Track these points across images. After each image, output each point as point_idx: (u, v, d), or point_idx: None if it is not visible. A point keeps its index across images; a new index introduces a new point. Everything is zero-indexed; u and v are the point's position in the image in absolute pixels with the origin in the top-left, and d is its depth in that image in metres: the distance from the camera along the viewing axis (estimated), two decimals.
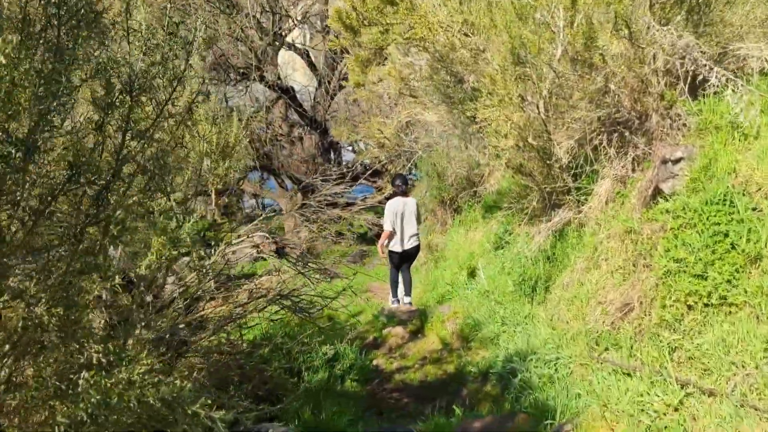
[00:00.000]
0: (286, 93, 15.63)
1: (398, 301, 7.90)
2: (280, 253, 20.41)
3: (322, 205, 18.67)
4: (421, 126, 11.05)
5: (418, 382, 5.14)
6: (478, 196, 10.42)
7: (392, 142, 11.45)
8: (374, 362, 5.63)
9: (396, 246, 7.79)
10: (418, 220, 8.04)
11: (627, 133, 5.32)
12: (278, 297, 4.43)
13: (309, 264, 6.65)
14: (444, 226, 11.41)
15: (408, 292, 7.86)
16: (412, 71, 6.94)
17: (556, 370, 4.28)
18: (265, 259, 20.22)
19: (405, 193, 7.87)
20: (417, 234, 7.92)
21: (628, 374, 3.74)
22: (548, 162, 5.87)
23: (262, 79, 15.21)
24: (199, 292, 4.29)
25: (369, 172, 15.65)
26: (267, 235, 19.04)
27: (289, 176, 17.54)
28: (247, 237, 19.11)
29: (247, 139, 16.38)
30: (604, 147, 5.44)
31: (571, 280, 5.04)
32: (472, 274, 7.20)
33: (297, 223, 19.18)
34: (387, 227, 7.71)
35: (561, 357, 4.30)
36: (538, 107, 5.54)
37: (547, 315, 5.04)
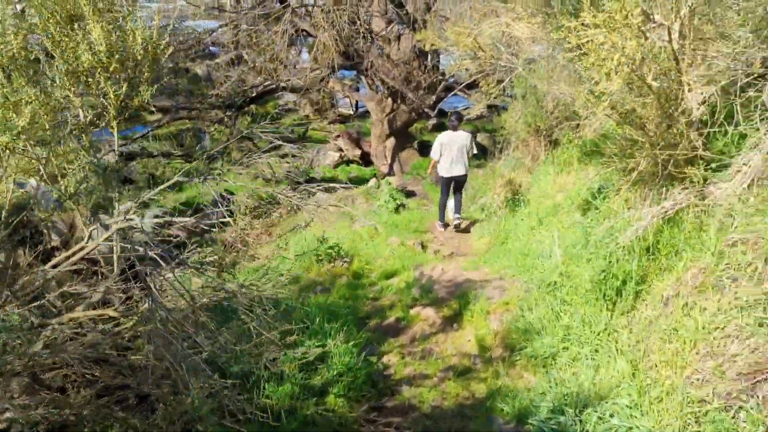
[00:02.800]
0: None
1: (444, 225, 8.76)
2: (365, 159, 19.25)
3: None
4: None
5: (429, 406, 3.78)
6: (581, 130, 8.56)
7: (487, 54, 9.56)
8: (385, 359, 4.27)
9: (443, 171, 8.76)
10: (469, 153, 8.88)
11: None
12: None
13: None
14: (535, 161, 9.64)
15: (458, 210, 8.77)
16: None
17: None
18: (348, 164, 19.17)
19: (455, 128, 8.84)
20: (465, 164, 8.78)
21: None
22: (671, 113, 4.07)
23: None
24: None
25: (463, 84, 13.78)
26: (350, 140, 17.82)
27: (380, 79, 15.93)
28: (333, 139, 17.94)
29: (332, 34, 14.81)
30: (762, 102, 3.58)
31: (674, 295, 3.43)
32: (545, 241, 5.61)
33: (384, 131, 17.76)
34: (434, 155, 8.83)
35: (639, 428, 2.80)
36: (670, 32, 3.70)
37: (630, 338, 3.49)
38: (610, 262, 4.00)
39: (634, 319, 3.69)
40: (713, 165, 3.99)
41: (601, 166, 5.78)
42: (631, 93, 4.15)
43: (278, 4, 14.39)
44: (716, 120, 3.94)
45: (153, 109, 15.36)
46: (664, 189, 4.16)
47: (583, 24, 3.33)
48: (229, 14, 16.19)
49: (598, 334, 3.63)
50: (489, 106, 22.90)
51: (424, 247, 7.07)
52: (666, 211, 3.68)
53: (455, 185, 8.86)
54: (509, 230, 6.97)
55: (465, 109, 17.54)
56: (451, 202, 9.01)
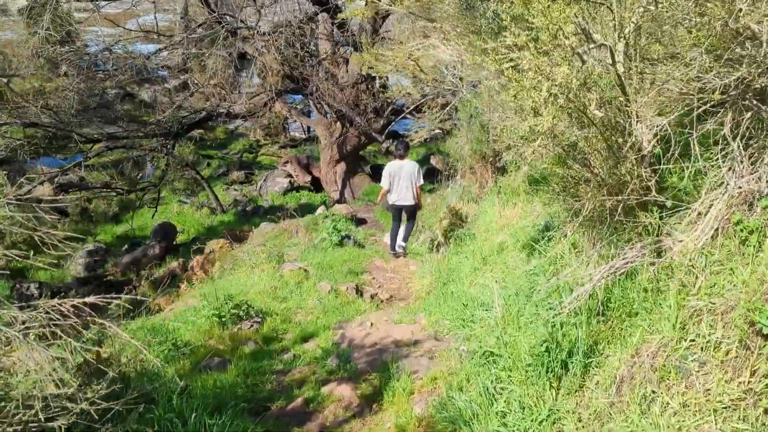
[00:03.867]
0: (324, 5, 13.03)
1: (395, 255, 8.66)
2: (316, 185, 18.40)
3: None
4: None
5: None
6: (526, 159, 7.99)
7: (429, 77, 8.95)
8: None
9: (392, 200, 8.70)
10: (415, 183, 8.63)
11: None
12: None
13: None
14: (483, 188, 9.03)
15: (404, 239, 8.76)
16: None
17: None
18: (297, 191, 18.33)
19: (402, 157, 8.61)
20: (413, 193, 8.61)
21: None
22: (618, 147, 3.44)
23: None
24: None
25: (410, 108, 13.21)
26: (300, 165, 16.99)
27: (327, 103, 15.25)
28: (281, 165, 17.06)
29: (275, 57, 14.09)
30: (724, 136, 2.97)
31: (629, 378, 2.75)
32: (488, 286, 4.93)
33: (333, 156, 17.04)
34: (384, 185, 8.69)
35: None
36: (613, 53, 3.08)
37: (578, 426, 2.80)
38: (554, 326, 3.33)
39: (582, 402, 3.00)
40: (668, 206, 3.37)
41: (547, 201, 5.17)
42: (570, 124, 3.51)
43: (219, 27, 13.60)
44: (671, 155, 3.32)
45: (94, 136, 14.35)
46: (614, 237, 3.52)
47: (505, 46, 2.67)
48: (169, 38, 15.32)
49: (540, 424, 2.93)
50: (442, 129, 22.48)
51: (359, 291, 6.33)
52: (616, 271, 3.02)
53: (406, 214, 8.79)
54: (452, 269, 6.29)
55: (417, 131, 16.98)
56: (402, 229, 8.96)
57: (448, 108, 9.30)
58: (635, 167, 3.40)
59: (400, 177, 8.49)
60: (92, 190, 14.72)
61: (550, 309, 3.44)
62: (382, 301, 6.41)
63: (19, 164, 17.14)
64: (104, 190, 14.59)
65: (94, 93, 18.58)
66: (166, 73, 24.87)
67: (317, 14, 14.39)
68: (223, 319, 4.51)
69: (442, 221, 8.10)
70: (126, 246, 14.02)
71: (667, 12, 3.05)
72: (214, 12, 13.37)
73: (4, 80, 15.61)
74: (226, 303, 4.57)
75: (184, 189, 17.94)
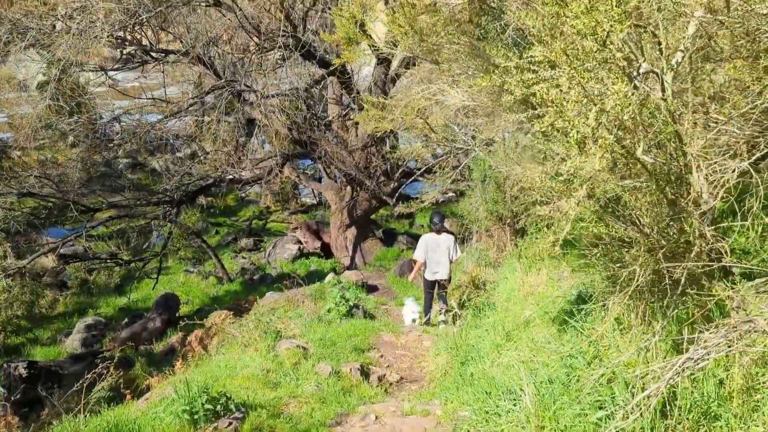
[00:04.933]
0: (333, 72, 12.70)
1: (429, 322, 8.22)
2: (326, 251, 17.72)
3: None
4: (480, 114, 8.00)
5: None
6: (552, 218, 7.31)
7: (439, 136, 8.40)
8: None
9: (428, 274, 8.20)
10: (452, 257, 8.11)
11: None
12: None
13: None
14: (501, 251, 8.31)
15: (443, 312, 8.06)
16: (434, 13, 3.89)
17: None
18: (307, 257, 17.65)
19: (439, 231, 8.14)
20: (448, 267, 8.08)
21: None
22: (674, 201, 2.75)
23: (305, 53, 12.36)
24: None
25: (421, 170, 12.68)
26: (309, 231, 16.35)
27: (336, 167, 14.77)
28: (290, 231, 16.42)
29: (283, 121, 13.73)
30: None
31: None
32: (513, 368, 4.15)
33: (343, 221, 16.44)
34: (418, 258, 8.21)
35: None
36: (663, 82, 2.44)
37: None
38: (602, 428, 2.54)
39: None
40: (755, 272, 2.64)
41: (579, 269, 4.44)
42: (613, 173, 2.83)
43: (228, 94, 13.32)
44: (742, 208, 2.62)
45: (92, 206, 13.92)
46: (675, 313, 2.77)
47: (531, 64, 2.04)
48: (176, 104, 15.09)
49: None
50: (455, 191, 21.93)
51: (365, 372, 5.51)
52: (695, 364, 2.26)
53: (441, 287, 8.25)
54: (471, 346, 5.50)
55: (426, 193, 16.40)
56: (436, 306, 8.48)
57: (460, 168, 8.70)
58: (698, 225, 2.69)
59: (436, 251, 8.02)
60: (93, 260, 14.16)
61: (600, 408, 2.66)
62: (390, 384, 5.58)
63: (27, 235, 16.78)
64: (105, 260, 14.02)
65: (99, 162, 18.37)
66: (178, 142, 24.87)
67: (324, 78, 14.10)
68: (196, 417, 3.73)
69: (460, 287, 7.35)
70: (126, 319, 13.30)
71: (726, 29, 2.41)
72: (220, 78, 13.12)
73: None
74: (200, 396, 3.80)
75: (191, 258, 17.36)
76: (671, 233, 2.83)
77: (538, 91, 1.98)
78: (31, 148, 19.32)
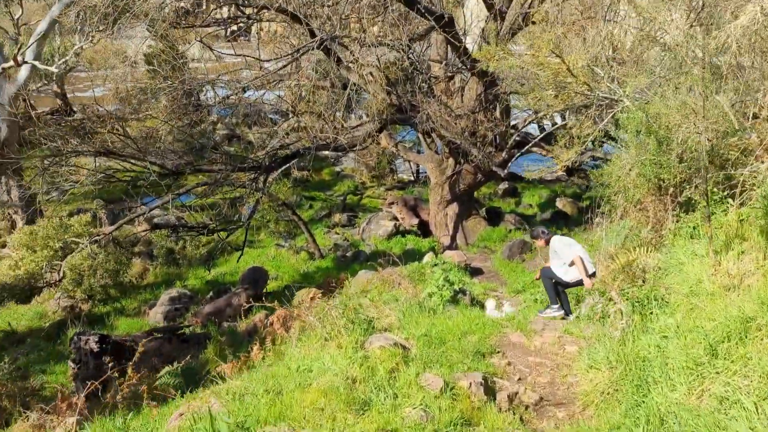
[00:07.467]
0: (439, 20, 10.87)
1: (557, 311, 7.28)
2: (424, 229, 16.03)
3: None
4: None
5: None
6: (734, 186, 5.35)
7: (579, 80, 6.53)
8: None
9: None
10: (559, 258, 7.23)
11: None
12: None
13: None
14: (657, 231, 6.36)
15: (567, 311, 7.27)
16: None
17: None
18: (403, 235, 16.11)
19: (547, 242, 7.39)
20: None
21: None
22: None
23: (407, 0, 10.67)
24: None
25: (540, 136, 10.73)
26: (406, 207, 14.77)
27: (439, 134, 13.08)
28: (386, 207, 14.85)
29: (382, 84, 12.18)
30: None
31: None
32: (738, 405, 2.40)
33: (444, 196, 14.76)
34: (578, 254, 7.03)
35: None
36: None
37: None
38: None
39: None
40: None
41: None
42: None
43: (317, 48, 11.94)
44: None
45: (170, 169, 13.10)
46: None
47: None
48: (271, 62, 13.92)
49: None
50: (568, 169, 19.51)
51: (489, 389, 3.83)
52: None
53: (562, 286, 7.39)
54: (645, 360, 3.72)
55: (542, 169, 14.31)
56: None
57: (604, 122, 6.77)
58: None
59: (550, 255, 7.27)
60: (177, 228, 13.32)
61: None
62: (526, 408, 3.90)
63: (125, 203, 16.42)
64: (191, 228, 13.13)
65: (195, 132, 17.68)
66: (276, 116, 24.12)
67: (428, 32, 12.38)
68: None
69: (607, 276, 5.49)
70: (211, 293, 12.36)
71: None
72: (315, 35, 11.71)
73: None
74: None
75: (282, 232, 16.32)
76: None
77: None
78: (132, 119, 19.06)
